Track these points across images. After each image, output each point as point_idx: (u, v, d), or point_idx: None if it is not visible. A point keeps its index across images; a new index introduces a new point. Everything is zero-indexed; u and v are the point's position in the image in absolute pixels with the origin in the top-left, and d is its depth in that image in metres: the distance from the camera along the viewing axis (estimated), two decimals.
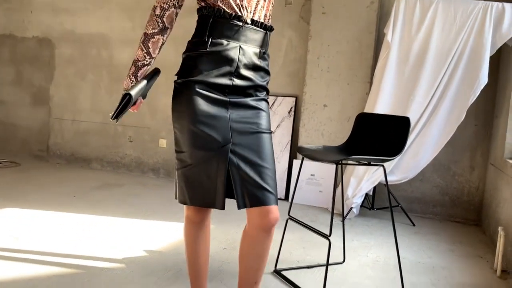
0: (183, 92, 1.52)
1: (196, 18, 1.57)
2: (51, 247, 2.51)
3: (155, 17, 1.52)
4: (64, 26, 4.80)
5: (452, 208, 3.70)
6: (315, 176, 3.86)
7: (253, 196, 1.47)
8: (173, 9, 1.53)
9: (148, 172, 4.60)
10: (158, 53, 1.57)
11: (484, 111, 3.58)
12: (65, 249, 2.49)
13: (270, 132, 1.59)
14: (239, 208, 1.50)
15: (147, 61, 1.56)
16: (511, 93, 3.00)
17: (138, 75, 1.57)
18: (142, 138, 4.62)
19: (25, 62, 4.98)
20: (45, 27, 4.88)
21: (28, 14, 4.91)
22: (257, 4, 1.52)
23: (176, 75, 1.57)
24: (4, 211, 3.08)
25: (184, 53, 1.56)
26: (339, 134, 3.80)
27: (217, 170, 1.48)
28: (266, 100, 1.61)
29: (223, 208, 1.51)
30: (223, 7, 1.48)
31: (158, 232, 2.88)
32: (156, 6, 1.53)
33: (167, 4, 1.52)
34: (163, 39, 1.55)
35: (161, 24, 1.53)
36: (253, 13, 1.52)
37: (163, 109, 4.52)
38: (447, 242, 3.11)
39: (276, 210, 1.51)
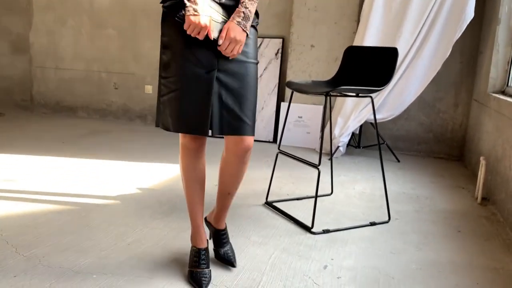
0: (172, 15, 1.48)
1: None
2: (46, 187, 2.54)
3: None
4: None
5: (436, 145, 3.80)
6: (303, 118, 3.90)
7: (230, 125, 1.54)
8: None
9: (135, 119, 4.59)
10: None
11: (470, 48, 3.61)
12: (59, 189, 2.52)
13: (256, 62, 1.60)
14: (212, 134, 1.56)
15: None
16: (496, 27, 3.02)
17: None
18: (127, 85, 4.56)
19: (0, 8, 4.79)
20: None
21: None
22: None
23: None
24: None
25: None
26: (327, 75, 3.80)
27: (202, 96, 1.50)
28: (254, 27, 1.61)
29: (207, 134, 1.54)
30: None
31: (150, 172, 2.92)
32: None
33: None
34: None
35: None
36: None
37: (147, 55, 4.45)
38: (430, 175, 3.23)
39: (249, 140, 1.58)
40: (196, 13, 1.40)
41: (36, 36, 4.74)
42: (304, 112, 3.89)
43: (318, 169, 2.13)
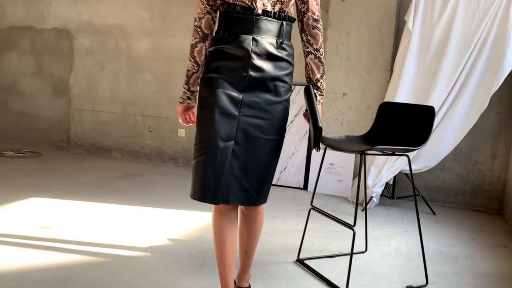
0: (203, 88, 1.62)
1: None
2: (78, 236, 2.57)
3: (195, 27, 1.65)
4: (82, 17, 4.84)
5: (473, 197, 3.67)
6: (334, 165, 3.86)
7: (236, 195, 1.60)
8: (208, 15, 1.64)
9: (167, 161, 4.65)
10: (204, 59, 1.68)
11: (507, 99, 3.52)
12: (92, 238, 2.54)
13: (278, 137, 1.64)
14: (219, 202, 1.60)
15: (195, 69, 1.68)
16: None
17: (190, 83, 1.70)
18: (162, 128, 4.66)
19: (44, 53, 5.04)
20: (63, 19, 4.92)
21: (47, 5, 4.96)
22: None
23: None
24: (31, 201, 3.16)
25: (207, 49, 1.65)
26: (359, 123, 3.78)
27: (217, 166, 1.56)
28: (283, 102, 1.63)
29: (218, 203, 1.60)
30: (237, 2, 1.54)
31: (180, 221, 2.92)
32: (195, 17, 1.65)
33: (202, 13, 1.63)
34: (205, 46, 1.67)
35: (201, 33, 1.65)
36: (266, 5, 1.56)
37: None
38: (469, 231, 3.10)
39: (254, 209, 1.72)
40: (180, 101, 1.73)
41: (76, 79, 4.94)
42: (335, 160, 3.85)
43: (353, 230, 2.08)
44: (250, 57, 1.54)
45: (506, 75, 3.13)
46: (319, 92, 1.73)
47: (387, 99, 3.40)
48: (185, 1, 4.41)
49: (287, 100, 1.65)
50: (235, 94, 1.56)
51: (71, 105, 4.98)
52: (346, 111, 3.86)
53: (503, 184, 3.58)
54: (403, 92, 3.32)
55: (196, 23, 1.65)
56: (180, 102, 1.73)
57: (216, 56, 1.59)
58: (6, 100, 5.24)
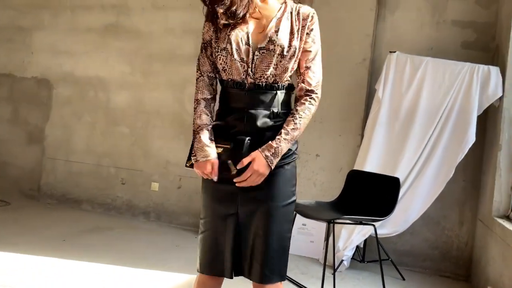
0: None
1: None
2: None
3: (205, 85, 1.67)
4: (63, 68, 4.89)
5: (441, 262, 3.70)
6: (307, 226, 3.87)
7: (251, 270, 1.57)
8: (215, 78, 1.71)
9: (138, 215, 4.58)
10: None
11: (472, 167, 3.66)
12: None
13: (285, 203, 1.58)
14: (231, 277, 1.62)
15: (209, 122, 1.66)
16: (498, 153, 3.09)
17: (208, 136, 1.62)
18: (134, 181, 4.62)
19: (22, 101, 5.04)
20: (44, 68, 4.96)
21: (29, 54, 5.01)
22: (264, 71, 1.57)
23: None
24: None
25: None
26: (331, 184, 3.84)
27: (225, 239, 1.57)
28: (286, 165, 1.60)
29: (231, 277, 1.59)
30: (231, 77, 1.59)
31: (147, 282, 2.85)
32: (203, 75, 1.67)
33: (211, 71, 1.67)
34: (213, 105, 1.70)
35: (213, 92, 1.71)
36: (259, 79, 1.57)
37: (156, 153, 4.56)
38: None
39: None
40: (200, 160, 1.54)
41: (51, 128, 4.91)
42: (308, 220, 3.85)
43: None
44: (247, 131, 1.55)
45: (470, 144, 3.27)
46: (270, 141, 1.52)
47: (358, 164, 3.49)
48: (166, 58, 4.53)
49: (291, 164, 1.63)
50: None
51: (45, 154, 4.92)
52: (319, 172, 3.93)
53: (470, 250, 3.64)
54: (373, 157, 3.42)
55: (211, 80, 1.66)
56: (197, 160, 1.53)
57: (215, 131, 1.62)
58: None
